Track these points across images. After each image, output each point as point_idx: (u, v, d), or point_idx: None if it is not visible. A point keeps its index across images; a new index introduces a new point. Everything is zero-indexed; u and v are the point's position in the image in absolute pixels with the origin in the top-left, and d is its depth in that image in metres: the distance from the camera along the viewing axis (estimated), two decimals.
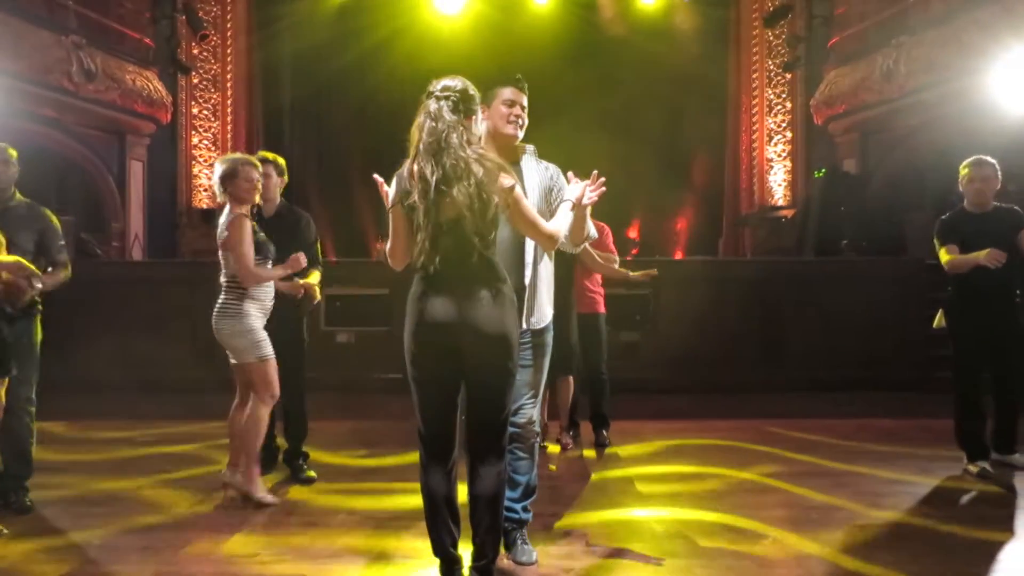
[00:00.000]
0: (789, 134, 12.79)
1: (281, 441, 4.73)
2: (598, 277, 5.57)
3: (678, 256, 12.64)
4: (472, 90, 2.78)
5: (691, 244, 13.54)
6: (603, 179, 3.06)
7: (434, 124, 2.67)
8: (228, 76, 12.38)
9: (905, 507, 4.00)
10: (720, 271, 8.86)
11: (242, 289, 3.97)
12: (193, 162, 12.25)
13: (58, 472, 4.63)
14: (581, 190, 3.00)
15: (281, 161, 4.67)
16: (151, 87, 10.96)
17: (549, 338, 3.32)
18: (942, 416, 6.42)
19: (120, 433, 5.87)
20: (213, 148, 12.39)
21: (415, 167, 2.67)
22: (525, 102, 3.23)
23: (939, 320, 4.80)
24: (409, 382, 2.81)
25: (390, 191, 2.79)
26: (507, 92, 3.20)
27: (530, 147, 3.27)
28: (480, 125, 2.91)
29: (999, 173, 4.59)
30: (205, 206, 12.22)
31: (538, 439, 3.38)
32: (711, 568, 3.17)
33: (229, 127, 12.43)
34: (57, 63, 9.46)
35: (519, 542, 3.26)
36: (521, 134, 3.22)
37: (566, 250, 3.35)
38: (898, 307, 8.25)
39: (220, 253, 4.03)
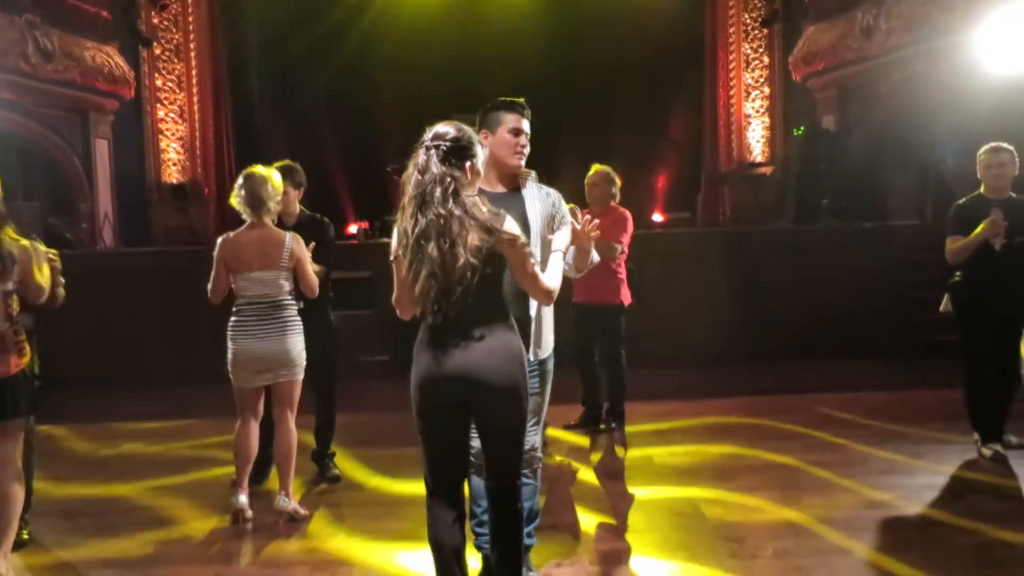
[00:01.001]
0: (767, 90, 12.65)
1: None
2: (621, 261, 5.36)
3: (656, 214, 12.58)
4: (467, 137, 2.65)
5: (669, 201, 13.47)
6: (596, 221, 2.97)
7: (420, 177, 2.55)
8: (191, 45, 11.94)
9: (909, 498, 4.07)
10: (703, 242, 8.82)
11: (295, 302, 4.03)
12: (160, 136, 11.89)
13: (47, 480, 4.56)
14: (568, 238, 2.91)
15: (300, 171, 4.54)
16: (112, 63, 10.56)
17: (551, 364, 3.28)
18: (924, 385, 6.61)
19: (105, 435, 5.79)
20: (180, 120, 12.03)
21: (400, 223, 2.58)
22: (528, 128, 3.11)
23: (945, 304, 4.81)
24: (419, 433, 2.75)
25: (392, 241, 2.68)
26: (512, 120, 3.08)
27: (532, 173, 3.16)
28: (480, 154, 2.78)
29: (1016, 159, 4.54)
30: (175, 181, 11.92)
31: (540, 463, 3.36)
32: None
33: (196, 98, 12.05)
34: (12, 45, 9.06)
35: (523, 568, 3.24)
36: (523, 162, 3.11)
37: (569, 275, 3.27)
38: (882, 273, 8.29)
39: (261, 274, 3.95)
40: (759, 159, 12.69)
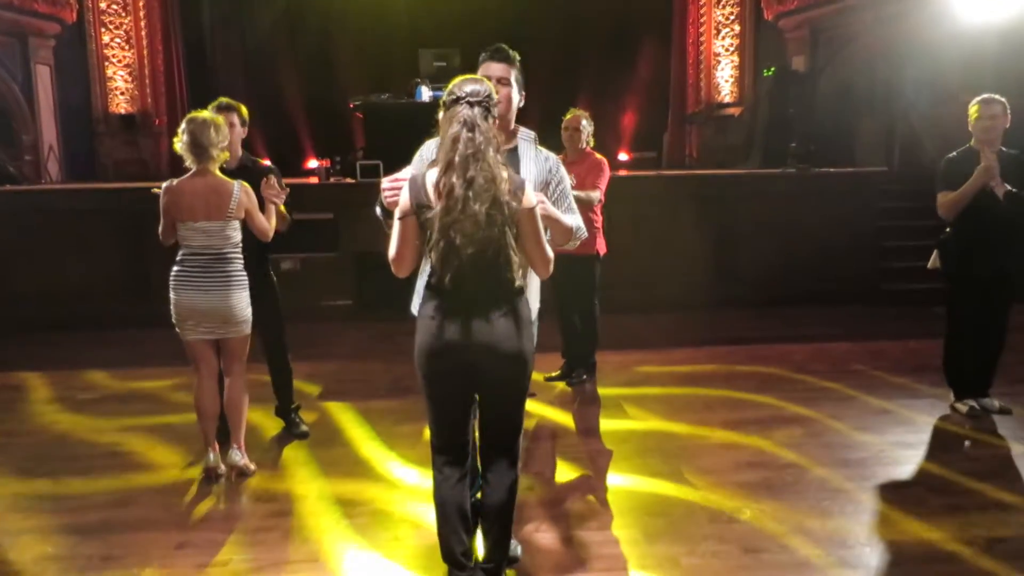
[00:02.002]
0: (737, 28, 12.40)
1: None
2: (597, 209, 5.21)
3: (622, 153, 12.40)
4: (491, 92, 2.55)
5: (635, 140, 13.28)
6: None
7: (471, 135, 2.43)
8: None
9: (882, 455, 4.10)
10: (670, 185, 8.68)
11: (241, 256, 3.85)
12: (106, 63, 11.26)
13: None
14: (571, 222, 2.86)
15: (243, 110, 4.29)
16: None
17: (536, 328, 3.17)
18: (890, 336, 6.67)
19: (62, 383, 5.57)
20: (127, 46, 11.37)
21: (445, 180, 2.42)
22: (504, 74, 2.88)
23: (933, 261, 4.78)
24: (421, 393, 2.71)
25: (402, 198, 2.51)
26: (481, 69, 2.87)
27: (530, 133, 2.96)
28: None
29: (1008, 111, 4.46)
30: (124, 111, 11.35)
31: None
32: (694, 556, 3.16)
33: (143, 22, 11.38)
34: None
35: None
36: (512, 114, 2.91)
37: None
38: (849, 220, 8.29)
39: (206, 224, 3.74)
40: (727, 100, 12.52)
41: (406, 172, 2.67)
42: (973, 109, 4.55)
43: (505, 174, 2.47)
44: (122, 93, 11.38)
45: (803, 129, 10.40)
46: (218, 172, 3.84)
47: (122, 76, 11.35)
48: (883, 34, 9.75)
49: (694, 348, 6.48)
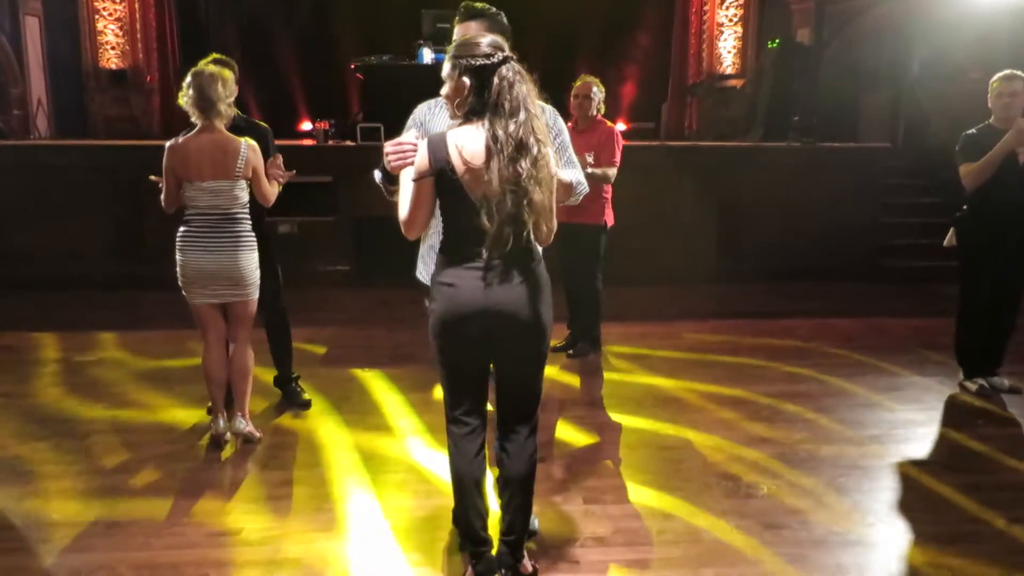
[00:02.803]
0: None
1: None
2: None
3: (620, 123, 12.25)
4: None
5: (634, 111, 13.13)
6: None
7: (521, 87, 2.36)
8: None
9: (894, 433, 4.08)
10: (672, 157, 8.57)
11: (249, 216, 3.75)
12: (96, 16, 10.91)
13: None
14: (571, 176, 2.75)
15: (235, 66, 4.12)
16: None
17: None
18: (892, 313, 6.66)
19: (58, 344, 5.46)
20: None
21: (495, 132, 2.32)
22: (474, 30, 2.80)
23: (950, 238, 4.73)
24: (437, 364, 2.62)
25: (419, 159, 2.40)
26: (470, 27, 2.85)
27: None
28: None
29: None
30: (114, 67, 11.05)
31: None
32: (714, 530, 3.12)
33: None
34: None
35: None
36: None
37: None
38: (851, 195, 8.22)
39: (213, 183, 3.63)
40: (729, 71, 12.35)
41: (408, 135, 2.56)
42: (994, 85, 4.47)
43: (542, 134, 2.40)
44: (113, 48, 11.07)
45: (806, 103, 10.31)
46: (223, 128, 3.70)
47: (112, 30, 11.03)
48: (893, 9, 9.62)
49: (698, 320, 6.43)
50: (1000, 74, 4.44)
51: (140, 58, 11.13)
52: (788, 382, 4.94)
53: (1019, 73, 4.40)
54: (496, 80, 2.36)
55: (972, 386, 4.73)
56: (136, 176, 7.46)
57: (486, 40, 2.44)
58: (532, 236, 2.47)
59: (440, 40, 7.93)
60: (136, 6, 11.06)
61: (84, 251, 7.39)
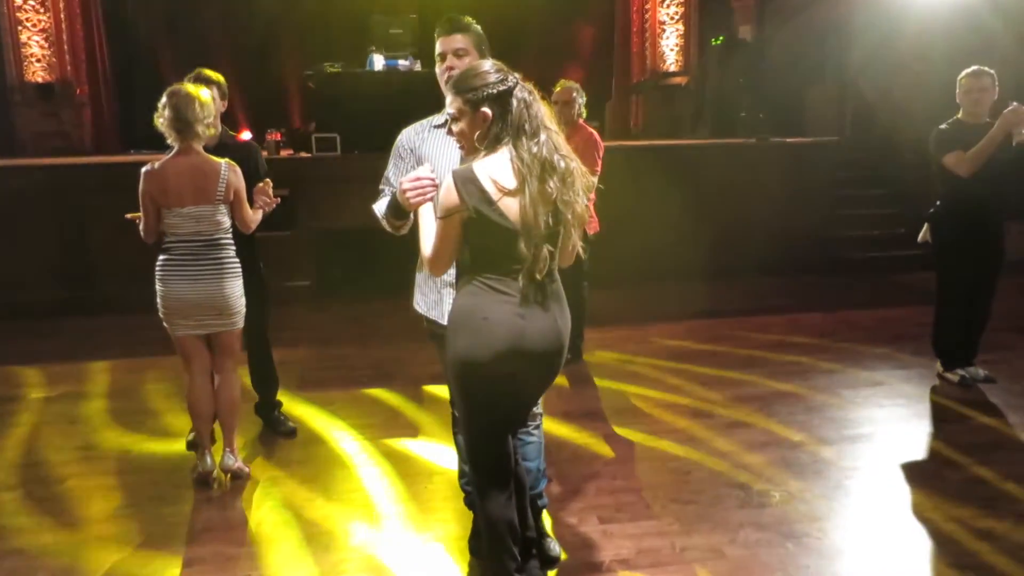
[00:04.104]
0: None
1: None
2: None
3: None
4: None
5: None
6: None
7: (538, 106, 2.31)
8: None
9: (887, 428, 4.11)
10: (632, 157, 8.56)
11: (233, 242, 3.56)
12: (20, 27, 10.34)
13: None
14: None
15: (223, 81, 3.95)
16: None
17: None
18: (855, 305, 6.78)
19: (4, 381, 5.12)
20: (42, 10, 10.50)
21: (520, 155, 2.25)
22: (462, 44, 2.74)
23: (924, 234, 4.79)
24: (459, 408, 2.50)
25: (446, 197, 2.27)
26: (437, 45, 2.78)
27: None
28: None
29: (996, 83, 4.48)
30: (41, 80, 10.52)
31: (541, 417, 3.12)
32: (736, 544, 3.08)
33: None
34: None
35: (544, 537, 3.04)
36: None
37: None
38: (803, 189, 8.36)
39: (194, 209, 3.43)
40: (672, 69, 12.46)
41: (424, 170, 2.45)
42: (962, 81, 4.56)
43: (564, 150, 2.35)
44: (38, 60, 10.51)
45: (751, 99, 10.46)
46: (202, 150, 3.51)
47: (38, 41, 10.47)
48: (833, 4, 9.82)
49: (669, 322, 6.43)
50: (968, 70, 4.53)
51: (68, 70, 10.61)
52: (773, 382, 4.96)
53: (986, 69, 4.50)
54: (515, 103, 2.29)
55: (953, 377, 4.82)
56: (78, 196, 7.23)
57: (488, 65, 2.37)
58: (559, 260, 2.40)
59: (393, 47, 7.75)
60: (63, 16, 10.54)
61: (26, 279, 6.99)
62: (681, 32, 12.36)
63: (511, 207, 2.24)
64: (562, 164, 2.30)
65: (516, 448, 2.62)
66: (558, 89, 5.08)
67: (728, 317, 6.55)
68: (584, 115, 5.15)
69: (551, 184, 2.27)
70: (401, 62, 7.74)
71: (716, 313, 6.68)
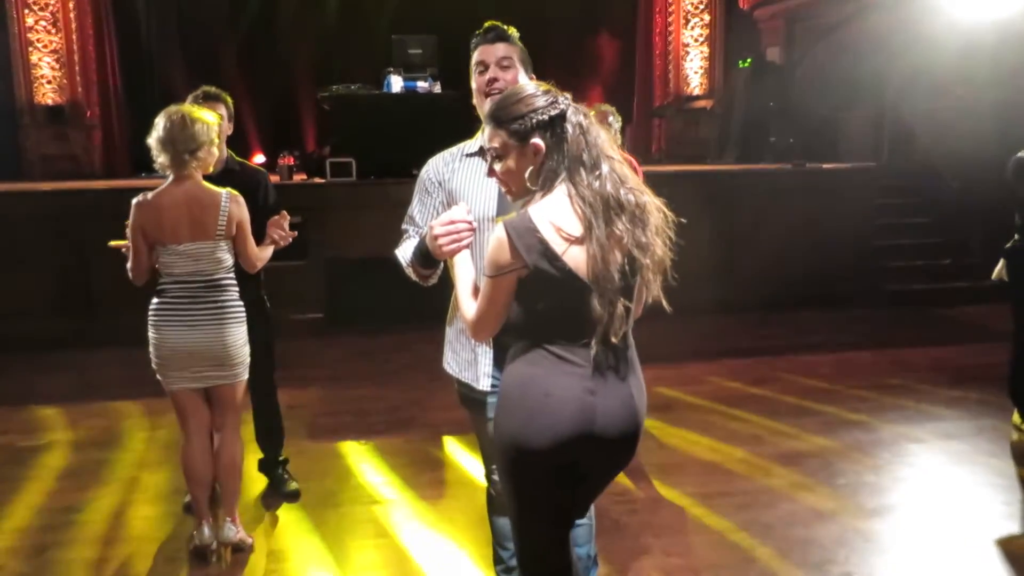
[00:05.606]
0: (707, 17, 11.99)
1: None
2: None
3: None
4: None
5: None
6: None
7: (597, 130, 1.93)
8: None
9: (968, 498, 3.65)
10: (659, 182, 8.17)
11: (235, 282, 3.13)
12: (30, 48, 10.13)
13: None
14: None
15: (229, 101, 3.60)
16: None
17: None
18: (907, 343, 6.30)
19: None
20: (54, 30, 10.27)
21: (581, 193, 1.84)
22: (503, 52, 2.36)
23: (1000, 271, 4.38)
24: (508, 500, 2.00)
25: (498, 253, 1.84)
26: (476, 55, 2.39)
27: None
28: None
29: None
30: (51, 102, 10.26)
31: None
32: None
33: (72, 3, 10.29)
34: None
35: None
36: None
37: None
38: (841, 218, 7.91)
39: (191, 245, 3.03)
40: (697, 92, 12.11)
41: (459, 211, 2.04)
42: None
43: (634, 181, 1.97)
44: (49, 82, 10.27)
45: (781, 123, 10.07)
46: (201, 179, 3.12)
47: (49, 63, 10.23)
48: (869, 25, 9.43)
49: (710, 361, 5.99)
50: None
51: (79, 92, 10.35)
52: (830, 435, 4.49)
53: None
54: (570, 129, 1.88)
55: None
56: (81, 223, 6.89)
57: (532, 87, 1.97)
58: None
59: (412, 68, 7.41)
60: (74, 37, 10.30)
61: (23, 309, 6.63)
62: (706, 54, 12.04)
63: (578, 258, 1.81)
64: (631, 199, 1.89)
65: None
66: (592, 113, 4.67)
67: (770, 355, 6.09)
68: (620, 141, 4.74)
69: (619, 225, 1.85)
70: (420, 84, 7.42)
71: (756, 351, 6.24)
